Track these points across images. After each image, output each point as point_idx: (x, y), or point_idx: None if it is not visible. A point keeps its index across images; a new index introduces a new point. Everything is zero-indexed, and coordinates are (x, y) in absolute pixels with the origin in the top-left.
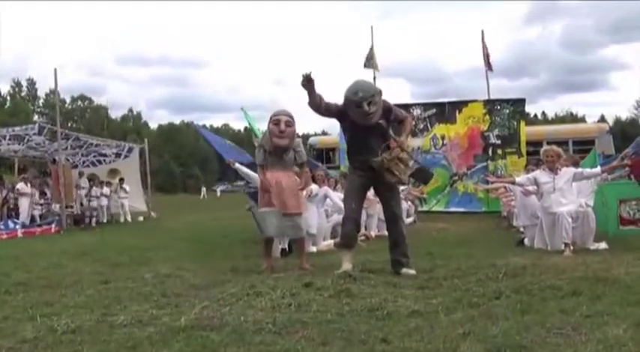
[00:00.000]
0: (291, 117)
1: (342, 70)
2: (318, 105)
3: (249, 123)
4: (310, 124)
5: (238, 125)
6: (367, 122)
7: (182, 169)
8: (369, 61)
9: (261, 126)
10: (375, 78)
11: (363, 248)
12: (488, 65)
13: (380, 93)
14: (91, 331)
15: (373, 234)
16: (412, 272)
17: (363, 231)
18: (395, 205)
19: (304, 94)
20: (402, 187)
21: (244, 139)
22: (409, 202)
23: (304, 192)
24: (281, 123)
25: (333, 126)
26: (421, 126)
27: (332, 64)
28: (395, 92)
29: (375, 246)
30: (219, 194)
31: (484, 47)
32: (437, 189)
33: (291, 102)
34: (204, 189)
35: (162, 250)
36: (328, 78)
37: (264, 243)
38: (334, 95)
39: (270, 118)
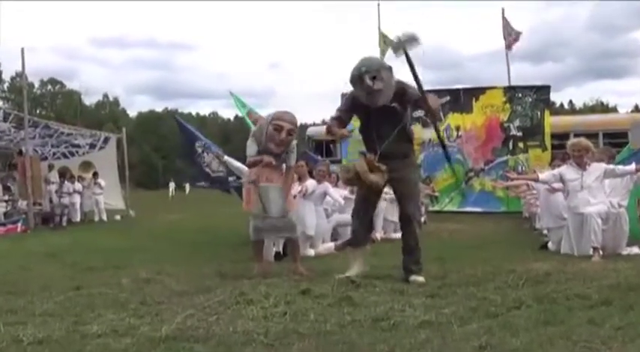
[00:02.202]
0: (296, 124)
1: (345, 50)
2: (346, 122)
3: (239, 109)
4: (309, 114)
5: (227, 113)
6: (373, 102)
7: (164, 162)
8: (385, 40)
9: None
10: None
11: (367, 251)
12: (509, 46)
13: (389, 69)
14: (60, 342)
15: (379, 235)
16: (421, 279)
17: None
18: (408, 204)
19: (305, 80)
20: None
21: (234, 129)
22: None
23: (299, 188)
24: (283, 131)
25: None
26: None
27: (334, 44)
28: (403, 78)
29: (381, 249)
30: (187, 190)
31: (505, 26)
32: (450, 186)
33: (289, 88)
34: (172, 185)
35: (142, 252)
36: (331, 58)
37: (255, 245)
38: (335, 79)
39: (271, 120)
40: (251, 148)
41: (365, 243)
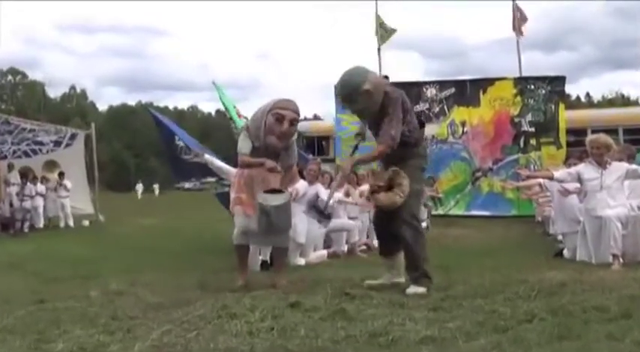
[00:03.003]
0: (299, 112)
1: (339, 40)
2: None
3: (223, 102)
4: (300, 107)
5: (208, 107)
6: (363, 116)
7: (137, 161)
8: (382, 28)
9: (241, 109)
10: (379, 50)
11: (363, 260)
12: (519, 30)
13: (365, 91)
14: None
15: (376, 243)
16: (420, 290)
17: (364, 239)
18: (402, 205)
19: (295, 71)
20: None
21: (215, 124)
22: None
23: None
24: (285, 121)
25: (327, 110)
26: (437, 109)
27: (328, 33)
28: (406, 68)
29: (378, 258)
30: (157, 193)
31: (515, 10)
32: (456, 187)
33: (277, 80)
34: (140, 187)
35: (113, 261)
36: (325, 49)
37: (238, 251)
38: (328, 71)
39: (270, 109)
40: (244, 144)
41: (393, 252)
